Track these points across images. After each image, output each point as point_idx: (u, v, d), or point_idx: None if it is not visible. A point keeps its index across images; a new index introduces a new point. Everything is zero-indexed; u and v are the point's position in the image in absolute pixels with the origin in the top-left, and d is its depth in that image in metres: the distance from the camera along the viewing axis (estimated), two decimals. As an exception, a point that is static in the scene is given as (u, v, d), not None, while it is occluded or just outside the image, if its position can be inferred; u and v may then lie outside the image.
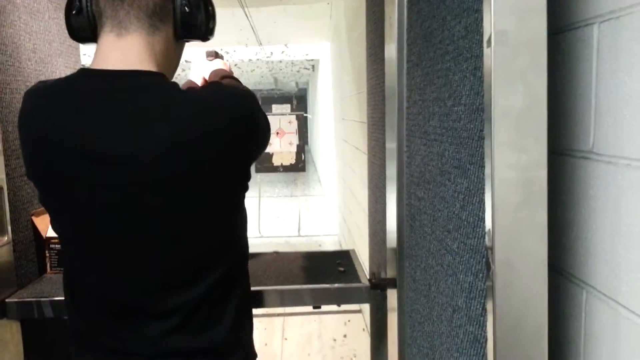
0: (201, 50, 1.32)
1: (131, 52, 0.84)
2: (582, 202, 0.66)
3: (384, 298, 1.38)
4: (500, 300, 0.61)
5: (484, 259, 0.67)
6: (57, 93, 0.85)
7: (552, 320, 0.62)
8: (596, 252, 0.64)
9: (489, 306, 0.63)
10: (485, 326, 0.66)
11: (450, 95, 0.80)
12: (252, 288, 1.06)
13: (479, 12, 0.66)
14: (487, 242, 0.64)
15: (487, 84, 0.62)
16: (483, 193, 0.66)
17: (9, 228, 1.30)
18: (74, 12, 0.88)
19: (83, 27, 0.88)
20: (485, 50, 0.62)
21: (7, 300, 1.27)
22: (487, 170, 0.63)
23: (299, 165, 6.71)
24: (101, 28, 0.86)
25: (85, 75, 0.86)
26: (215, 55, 1.33)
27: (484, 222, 0.66)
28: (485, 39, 0.62)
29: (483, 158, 0.66)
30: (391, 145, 1.27)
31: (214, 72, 1.26)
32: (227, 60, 1.34)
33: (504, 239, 0.61)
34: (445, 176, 0.84)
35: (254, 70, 10.23)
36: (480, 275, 0.69)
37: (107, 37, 0.85)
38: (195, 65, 1.31)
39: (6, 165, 1.31)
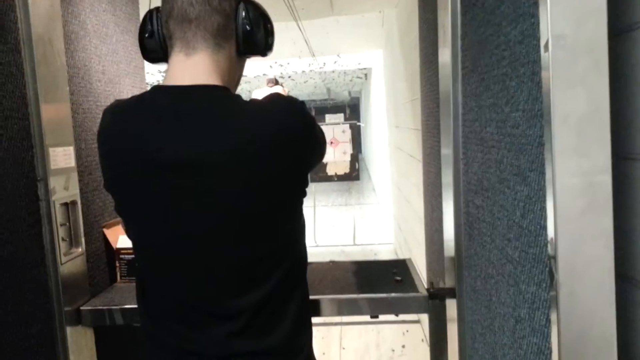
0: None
1: (199, 69, 0.90)
2: (651, 208, 0.63)
3: (443, 308, 1.36)
4: (564, 310, 0.60)
5: (547, 269, 0.65)
6: (133, 108, 0.92)
7: (620, 330, 0.60)
8: (669, 261, 0.61)
9: (553, 317, 0.62)
10: (550, 337, 0.64)
11: (508, 101, 0.79)
12: (310, 297, 1.07)
13: (534, 16, 0.65)
14: (550, 250, 0.62)
15: (546, 89, 0.61)
16: (544, 200, 0.64)
17: (83, 240, 1.39)
18: (146, 35, 0.96)
19: (155, 49, 0.97)
20: (543, 55, 0.61)
21: (81, 308, 1.36)
22: (548, 177, 0.62)
23: (353, 174, 6.72)
24: (171, 49, 0.92)
25: (158, 91, 0.92)
26: (275, 82, 1.51)
27: (546, 230, 0.64)
28: (542, 43, 0.61)
29: (543, 165, 0.64)
30: (447, 152, 1.25)
31: None
32: (285, 86, 1.52)
33: (567, 247, 0.60)
34: (504, 184, 0.83)
35: (307, 81, 10.37)
36: (544, 285, 0.67)
37: (177, 57, 0.92)
38: (257, 91, 1.43)
39: (79, 181, 1.40)
